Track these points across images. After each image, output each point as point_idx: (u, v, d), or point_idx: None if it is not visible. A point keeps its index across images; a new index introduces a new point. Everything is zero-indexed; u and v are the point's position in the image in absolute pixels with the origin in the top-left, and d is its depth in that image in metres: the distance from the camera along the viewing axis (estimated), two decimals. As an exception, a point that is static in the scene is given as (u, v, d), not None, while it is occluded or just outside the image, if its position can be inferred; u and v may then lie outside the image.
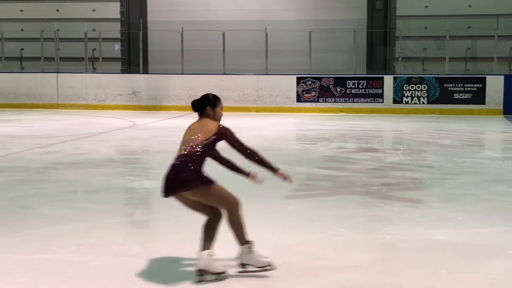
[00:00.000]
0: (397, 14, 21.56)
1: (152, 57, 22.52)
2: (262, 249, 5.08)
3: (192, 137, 4.93)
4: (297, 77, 19.90)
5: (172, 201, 4.99)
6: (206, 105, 5.05)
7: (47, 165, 10.05)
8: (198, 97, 5.13)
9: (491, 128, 16.09)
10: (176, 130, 15.16)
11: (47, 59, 21.78)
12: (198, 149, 4.87)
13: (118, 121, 17.18)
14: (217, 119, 5.07)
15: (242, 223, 4.92)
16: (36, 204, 7.52)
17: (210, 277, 4.83)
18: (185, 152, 4.87)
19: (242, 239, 4.95)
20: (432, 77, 19.47)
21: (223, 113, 5.15)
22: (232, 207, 4.86)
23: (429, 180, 9.03)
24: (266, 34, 20.71)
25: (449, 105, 19.29)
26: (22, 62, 23.21)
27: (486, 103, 19.13)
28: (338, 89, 19.74)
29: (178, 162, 4.87)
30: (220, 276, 4.86)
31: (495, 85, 19.11)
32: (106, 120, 17.49)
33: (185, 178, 4.78)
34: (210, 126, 4.95)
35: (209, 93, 5.16)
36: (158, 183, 8.84)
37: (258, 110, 19.95)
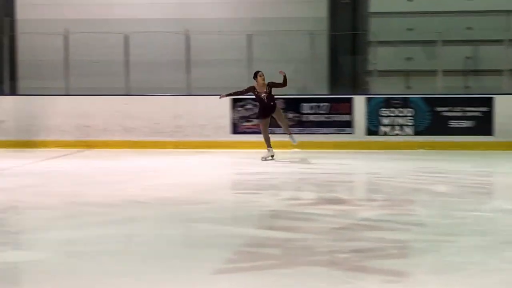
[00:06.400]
0: (371, 10, 21.85)
1: (24, 71, 22.26)
2: None
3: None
4: (232, 99, 19.89)
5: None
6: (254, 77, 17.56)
7: None
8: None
9: (502, 169, 16.37)
10: (58, 176, 14.91)
11: None
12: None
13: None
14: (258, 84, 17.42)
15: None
16: None
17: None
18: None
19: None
20: (420, 97, 19.75)
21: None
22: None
23: (417, 243, 9.03)
24: (188, 38, 20.68)
25: (444, 136, 19.57)
26: None
27: (495, 133, 19.40)
28: (291, 115, 19.69)
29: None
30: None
31: (506, 109, 19.41)
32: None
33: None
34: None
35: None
36: (33, 254, 8.64)
37: (177, 145, 19.81)
